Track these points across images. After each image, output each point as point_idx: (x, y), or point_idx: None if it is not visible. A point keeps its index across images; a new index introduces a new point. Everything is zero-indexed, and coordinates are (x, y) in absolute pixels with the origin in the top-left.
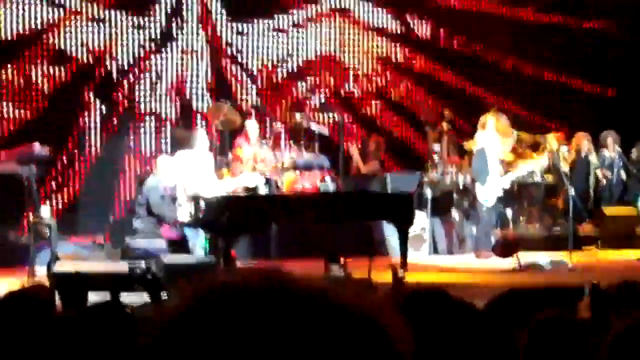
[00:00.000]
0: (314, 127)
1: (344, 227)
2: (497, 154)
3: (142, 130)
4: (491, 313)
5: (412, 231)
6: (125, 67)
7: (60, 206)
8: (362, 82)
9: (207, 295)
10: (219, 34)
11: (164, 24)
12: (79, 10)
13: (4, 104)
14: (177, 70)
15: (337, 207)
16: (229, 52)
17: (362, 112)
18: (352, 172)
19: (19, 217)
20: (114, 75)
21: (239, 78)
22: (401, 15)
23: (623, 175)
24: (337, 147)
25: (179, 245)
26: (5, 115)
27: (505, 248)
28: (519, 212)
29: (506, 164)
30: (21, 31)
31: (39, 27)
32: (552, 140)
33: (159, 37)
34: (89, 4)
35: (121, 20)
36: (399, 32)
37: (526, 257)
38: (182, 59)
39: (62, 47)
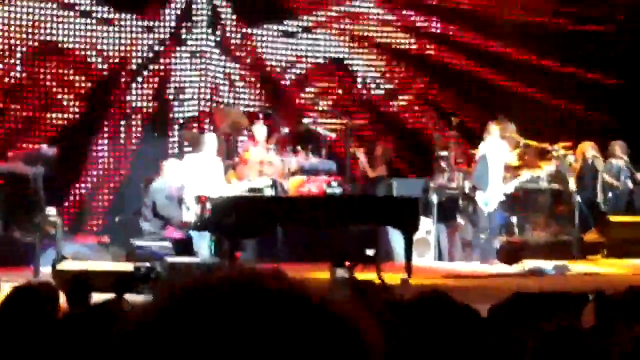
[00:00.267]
0: (320, 131)
1: (349, 230)
2: (501, 161)
3: (149, 132)
4: (495, 318)
5: (418, 236)
6: (135, 69)
7: (67, 206)
8: (370, 87)
9: (179, 293)
10: (228, 37)
11: (173, 27)
12: (89, 12)
13: (13, 105)
14: (185, 73)
15: (343, 211)
16: (237, 55)
17: (370, 117)
18: (359, 176)
19: (25, 217)
20: (123, 77)
21: (248, 82)
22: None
23: (630, 184)
24: (344, 152)
25: (184, 246)
26: (15, 115)
27: (510, 254)
28: (525, 219)
29: (513, 170)
30: (31, 32)
31: (48, 28)
32: (559, 148)
33: (168, 40)
34: (99, 6)
35: (131, 23)
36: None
37: (531, 263)
38: (191, 62)
39: (73, 48)
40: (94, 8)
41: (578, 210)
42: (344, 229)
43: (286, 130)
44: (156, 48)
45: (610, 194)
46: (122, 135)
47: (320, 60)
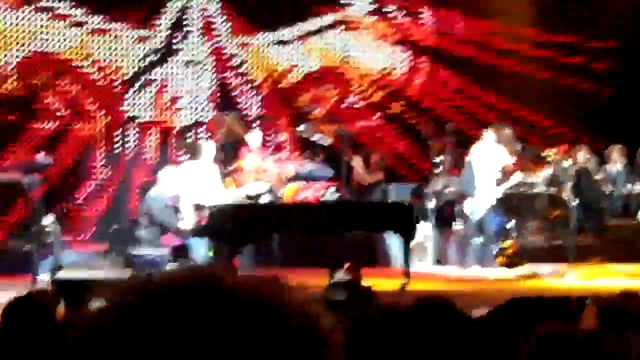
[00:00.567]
0: (317, 138)
1: (346, 236)
2: (495, 166)
3: (145, 140)
4: (492, 322)
5: (415, 242)
6: (129, 78)
7: (64, 214)
8: (365, 93)
9: (131, 295)
10: (222, 45)
11: (167, 36)
12: (82, 22)
13: (8, 115)
14: (179, 82)
15: (340, 218)
16: (231, 64)
17: (365, 123)
18: (355, 182)
19: (22, 226)
20: (117, 86)
21: (242, 90)
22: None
23: (627, 188)
24: (341, 158)
25: (182, 254)
26: (10, 125)
27: (507, 259)
28: (521, 223)
29: (508, 175)
30: (25, 42)
31: (42, 39)
32: (555, 152)
33: (162, 49)
34: (93, 16)
35: (125, 33)
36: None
37: (528, 268)
38: (185, 71)
39: (67, 59)
40: (87, 18)
41: (574, 214)
42: (341, 235)
43: (282, 137)
44: (150, 57)
45: (606, 199)
46: (117, 144)
47: (315, 68)
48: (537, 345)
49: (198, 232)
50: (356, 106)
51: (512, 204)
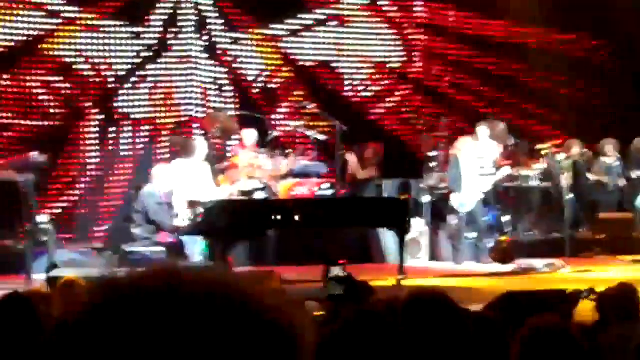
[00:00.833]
0: (310, 134)
1: (341, 232)
2: (480, 160)
3: (138, 138)
4: (489, 316)
5: (410, 237)
6: (122, 76)
7: (58, 213)
8: (359, 88)
9: (101, 296)
10: (215, 42)
11: (160, 33)
12: (75, 19)
13: (2, 113)
14: (173, 79)
15: (334, 213)
16: (224, 60)
17: (359, 118)
18: (349, 178)
19: (16, 224)
20: (111, 83)
21: (236, 86)
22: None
23: (621, 181)
24: (334, 154)
25: (177, 251)
26: (4, 124)
27: (502, 253)
28: (516, 217)
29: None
30: (16, 40)
31: (34, 35)
32: (549, 146)
33: (155, 46)
34: (85, 14)
35: (118, 29)
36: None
37: (523, 262)
38: (178, 68)
39: (59, 56)
40: (79, 15)
41: (569, 208)
42: (336, 231)
43: (276, 133)
44: (143, 54)
45: (601, 192)
46: (111, 141)
47: (309, 63)
48: (528, 338)
49: (192, 229)
50: (352, 100)
51: (506, 199)
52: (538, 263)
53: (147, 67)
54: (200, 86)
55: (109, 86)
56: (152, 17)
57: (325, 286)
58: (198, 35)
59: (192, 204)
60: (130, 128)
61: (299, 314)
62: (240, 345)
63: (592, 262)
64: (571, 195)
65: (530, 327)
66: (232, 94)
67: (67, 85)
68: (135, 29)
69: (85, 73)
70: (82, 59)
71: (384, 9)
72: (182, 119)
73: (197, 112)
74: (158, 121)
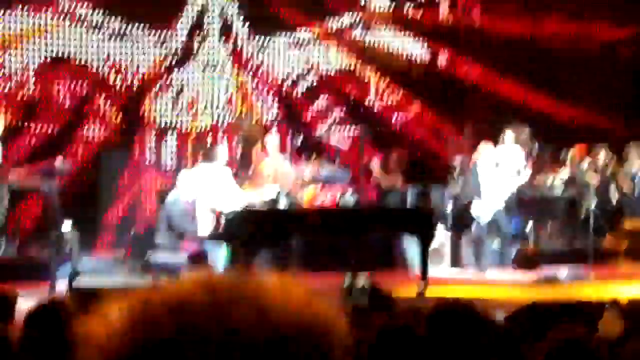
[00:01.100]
0: (334, 141)
1: (365, 240)
2: (507, 167)
3: (163, 144)
4: (512, 326)
5: (433, 245)
6: (147, 82)
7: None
8: (383, 95)
9: (137, 309)
10: (240, 48)
11: (185, 39)
12: (100, 25)
13: (27, 119)
14: (198, 85)
15: (358, 221)
16: (250, 66)
17: (384, 125)
18: (373, 185)
19: (40, 232)
20: (135, 89)
21: (260, 92)
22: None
23: None
24: (358, 161)
25: (200, 259)
26: (29, 130)
27: (526, 262)
28: (540, 226)
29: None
30: (42, 47)
31: (60, 44)
32: (573, 153)
33: (180, 51)
34: (111, 19)
35: (143, 35)
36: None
37: (547, 271)
38: (203, 74)
39: (85, 62)
40: (105, 22)
41: (593, 216)
42: (359, 239)
43: (299, 140)
44: (169, 60)
45: (626, 198)
46: (136, 148)
47: (332, 71)
48: (550, 350)
49: (216, 237)
50: (375, 107)
51: (530, 206)
52: (561, 272)
53: (173, 73)
54: (224, 92)
55: (134, 92)
56: (177, 23)
57: (349, 295)
58: (223, 41)
59: (216, 213)
60: (155, 134)
61: (337, 325)
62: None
63: (616, 271)
64: (595, 203)
65: (553, 339)
66: (257, 100)
67: (92, 91)
68: (160, 35)
69: (111, 80)
70: (107, 65)
71: (409, 14)
72: (207, 126)
73: (222, 118)
74: (183, 127)
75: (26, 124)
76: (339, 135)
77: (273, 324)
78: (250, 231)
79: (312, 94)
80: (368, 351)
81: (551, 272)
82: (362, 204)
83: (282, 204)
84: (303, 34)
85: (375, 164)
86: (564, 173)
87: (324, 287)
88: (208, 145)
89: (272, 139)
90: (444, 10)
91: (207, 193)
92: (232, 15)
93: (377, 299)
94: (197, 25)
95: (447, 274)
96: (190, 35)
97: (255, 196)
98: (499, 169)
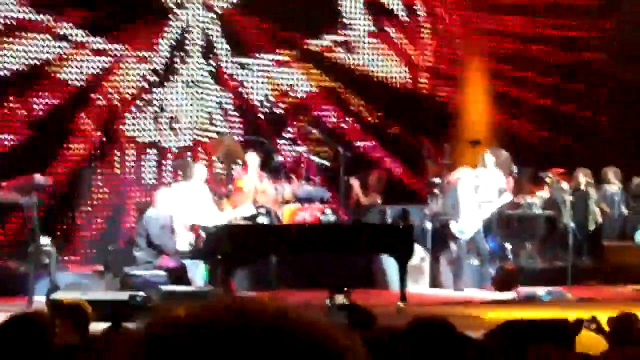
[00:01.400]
0: (314, 159)
1: (343, 258)
2: (487, 189)
3: (143, 161)
4: (490, 344)
5: (412, 263)
6: (129, 99)
7: (60, 236)
8: (362, 115)
9: (166, 328)
10: (222, 67)
11: (167, 57)
12: (83, 43)
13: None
14: (179, 103)
15: (337, 239)
16: (231, 85)
17: (363, 145)
18: (352, 204)
19: (19, 247)
20: (117, 106)
21: (241, 111)
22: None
23: (624, 210)
24: (338, 180)
25: (179, 275)
26: (9, 146)
27: (505, 281)
28: (519, 245)
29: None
30: (25, 64)
31: (42, 59)
32: (552, 174)
33: (162, 70)
34: (94, 38)
35: (125, 54)
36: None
37: (526, 290)
38: (185, 92)
39: (66, 79)
40: (87, 39)
41: (572, 236)
42: (338, 256)
43: (280, 158)
44: (150, 78)
45: (604, 219)
46: (116, 164)
47: (314, 89)
48: None
49: (194, 253)
50: (355, 127)
51: (509, 226)
52: (540, 291)
53: (154, 90)
54: (205, 110)
55: (116, 109)
56: (159, 41)
57: (328, 313)
58: (205, 60)
59: (194, 229)
60: (134, 151)
61: (355, 345)
62: None
63: (595, 290)
64: (574, 224)
65: (532, 356)
66: (237, 118)
67: (72, 107)
68: (142, 53)
69: (92, 96)
70: (89, 82)
71: (391, 35)
72: (187, 143)
73: (202, 136)
74: (163, 145)
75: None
76: (320, 153)
77: (298, 350)
78: (230, 248)
79: (292, 112)
80: None
81: (530, 291)
82: (341, 222)
83: (262, 221)
84: (284, 54)
85: (355, 183)
86: (543, 194)
87: (304, 304)
88: (186, 163)
89: (252, 157)
90: (424, 32)
91: (185, 211)
92: (213, 35)
93: (357, 316)
94: (179, 44)
95: (426, 291)
96: (172, 54)
97: (234, 214)
98: (479, 192)
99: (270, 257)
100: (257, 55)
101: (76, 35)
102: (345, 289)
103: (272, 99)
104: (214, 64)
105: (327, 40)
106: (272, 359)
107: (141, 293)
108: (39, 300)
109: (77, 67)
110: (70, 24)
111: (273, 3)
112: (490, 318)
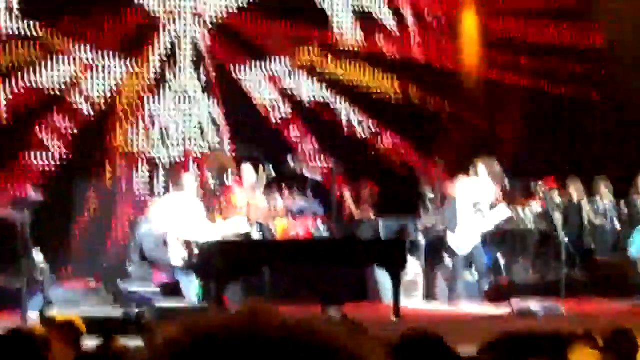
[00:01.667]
0: (307, 172)
1: (337, 272)
2: (477, 200)
3: (134, 173)
4: (482, 358)
5: (406, 277)
6: (119, 111)
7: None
8: (355, 128)
9: (190, 340)
10: (213, 78)
11: (158, 68)
12: (71, 55)
13: None
14: (170, 115)
15: (330, 253)
16: (222, 96)
17: (356, 157)
18: (345, 217)
19: (11, 262)
20: (107, 118)
21: (233, 124)
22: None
23: (616, 222)
24: (330, 193)
25: (172, 290)
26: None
27: (498, 295)
28: (512, 259)
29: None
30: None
31: (32, 72)
32: (544, 187)
33: (153, 81)
34: (82, 50)
35: (115, 65)
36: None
37: (519, 303)
38: (176, 103)
39: (55, 91)
40: (78, 52)
41: (565, 249)
42: (332, 270)
43: (273, 172)
44: (141, 91)
45: (597, 232)
46: (108, 178)
47: (306, 102)
48: None
49: (187, 268)
50: (347, 140)
51: (502, 240)
52: (534, 305)
53: (145, 102)
54: (197, 123)
55: (106, 121)
56: (150, 54)
57: None
58: (196, 72)
59: (188, 244)
60: (126, 163)
61: (377, 353)
62: None
63: (588, 304)
64: (567, 238)
65: None
66: (229, 131)
67: (64, 122)
68: (133, 64)
69: (83, 110)
70: (80, 96)
71: (380, 46)
72: (179, 156)
73: (193, 148)
74: (155, 156)
75: None
76: (312, 166)
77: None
78: (223, 264)
79: (285, 124)
80: None
81: (524, 305)
82: (335, 236)
83: (255, 236)
84: (276, 64)
85: (348, 196)
86: (535, 206)
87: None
88: (176, 174)
89: (245, 170)
90: (414, 44)
91: (178, 224)
92: (204, 46)
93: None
94: (170, 55)
95: (420, 305)
96: (163, 65)
97: (227, 227)
98: (476, 202)
99: (263, 272)
100: (249, 65)
101: (65, 45)
102: (339, 302)
103: (264, 111)
104: (205, 76)
105: (317, 51)
106: None
107: (135, 309)
108: (32, 316)
109: (64, 76)
110: (60, 35)
111: (266, 10)
112: (484, 332)
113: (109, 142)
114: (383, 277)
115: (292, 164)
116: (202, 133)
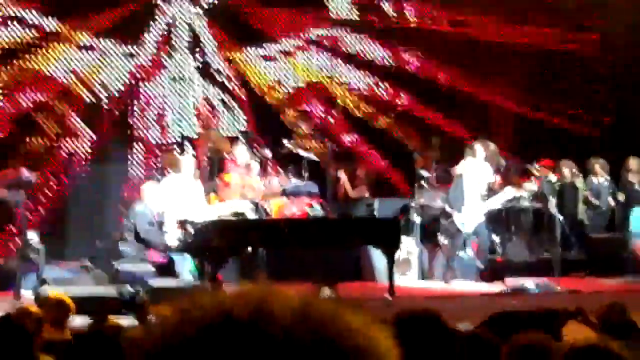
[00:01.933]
0: (302, 153)
1: (332, 251)
2: (480, 180)
3: (130, 155)
4: (482, 335)
5: (400, 256)
6: (115, 95)
7: (47, 230)
8: (350, 109)
9: (192, 322)
10: (208, 61)
11: (154, 52)
12: (68, 37)
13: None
14: (166, 97)
15: (324, 233)
16: (218, 79)
17: (351, 138)
18: (340, 197)
19: (6, 242)
20: (104, 102)
21: (229, 105)
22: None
23: (611, 201)
24: (326, 173)
25: (166, 269)
26: None
27: (493, 273)
28: (507, 237)
29: (496, 190)
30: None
31: (28, 56)
32: (539, 166)
33: (149, 65)
34: (79, 32)
35: (111, 48)
36: (386, 63)
37: (514, 282)
38: (171, 86)
39: (51, 74)
40: (73, 35)
41: (559, 228)
42: (326, 250)
43: (268, 152)
44: (137, 73)
45: (591, 212)
46: (103, 159)
47: (302, 84)
48: (511, 355)
49: (182, 248)
50: (342, 121)
51: (497, 219)
52: (528, 283)
53: (141, 85)
54: (193, 105)
55: (102, 104)
56: (145, 36)
57: None
58: (191, 55)
59: (183, 223)
60: (122, 146)
61: (385, 339)
62: None
63: (582, 282)
64: (562, 217)
65: (513, 343)
66: (224, 113)
67: (60, 104)
68: (128, 48)
69: (78, 91)
70: (75, 77)
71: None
72: (175, 138)
73: (189, 131)
74: (150, 139)
75: None
76: (307, 147)
77: (330, 342)
78: (218, 243)
79: (281, 106)
80: None
81: (519, 283)
82: (329, 216)
83: (250, 217)
84: (272, 47)
85: (343, 177)
86: (531, 186)
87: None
88: (174, 157)
89: (241, 151)
90: (411, 17)
91: (175, 205)
92: (200, 29)
93: None
94: (166, 39)
95: (415, 284)
96: (159, 48)
97: (223, 208)
98: (478, 182)
99: (257, 251)
100: (245, 48)
101: (62, 31)
102: (333, 282)
103: (259, 93)
104: (201, 59)
105: (313, 35)
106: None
107: (129, 288)
108: (26, 295)
109: (62, 61)
110: (55, 20)
111: None
112: (479, 310)
113: (105, 125)
114: (377, 257)
115: (288, 145)
116: (198, 116)
